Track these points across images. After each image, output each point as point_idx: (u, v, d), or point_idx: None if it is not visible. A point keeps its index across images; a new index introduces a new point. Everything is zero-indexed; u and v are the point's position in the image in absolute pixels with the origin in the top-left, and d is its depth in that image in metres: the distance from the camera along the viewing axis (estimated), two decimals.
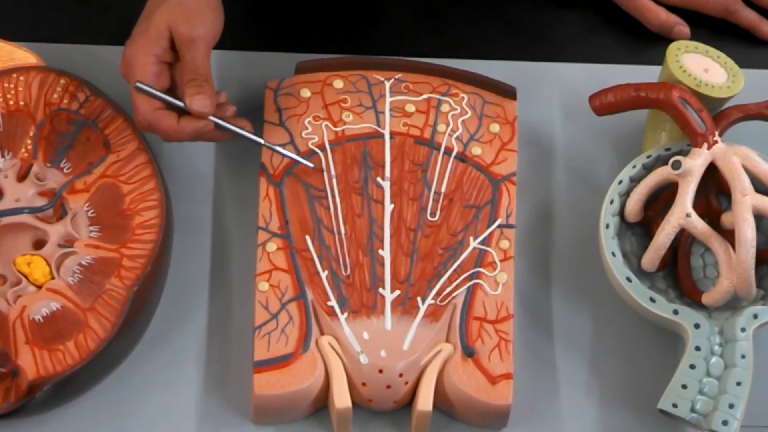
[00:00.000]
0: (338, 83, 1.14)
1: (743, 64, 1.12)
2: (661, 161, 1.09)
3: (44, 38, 1.17)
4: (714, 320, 1.04)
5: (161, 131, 1.03)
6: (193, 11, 1.03)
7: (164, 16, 1.03)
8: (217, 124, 1.04)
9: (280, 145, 1.10)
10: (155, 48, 1.03)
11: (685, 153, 1.08)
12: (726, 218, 1.07)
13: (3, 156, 1.08)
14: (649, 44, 1.22)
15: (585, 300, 1.10)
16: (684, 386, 1.01)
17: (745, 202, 1.03)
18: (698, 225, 1.05)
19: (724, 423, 0.99)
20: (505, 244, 1.08)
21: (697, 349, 1.02)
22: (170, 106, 1.03)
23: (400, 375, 1.02)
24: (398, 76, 1.15)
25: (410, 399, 1.04)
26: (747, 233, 1.02)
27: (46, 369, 1.00)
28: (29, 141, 1.08)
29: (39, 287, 1.03)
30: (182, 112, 1.04)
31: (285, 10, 1.22)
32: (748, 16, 1.22)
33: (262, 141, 1.06)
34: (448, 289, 1.06)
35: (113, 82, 1.13)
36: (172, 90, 1.05)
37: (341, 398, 1.01)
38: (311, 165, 1.08)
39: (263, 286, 1.05)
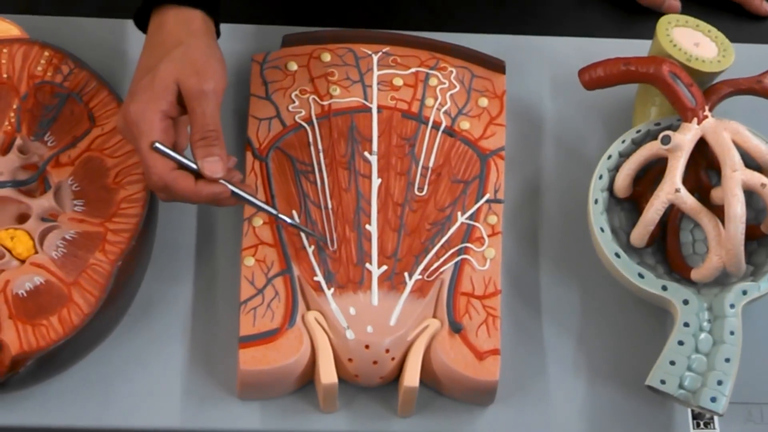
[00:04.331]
0: (325, 56, 1.13)
1: (734, 39, 1.11)
2: (651, 136, 1.08)
3: (28, 10, 1.16)
4: (703, 296, 1.03)
5: (178, 192, 0.98)
6: (200, 64, 0.98)
7: (170, 69, 0.98)
8: (233, 192, 0.99)
9: (266, 119, 1.10)
10: (162, 104, 0.97)
11: (674, 128, 1.07)
12: (716, 194, 1.06)
13: None
14: (639, 18, 1.21)
15: (573, 276, 1.09)
16: (672, 362, 1.01)
17: (735, 177, 1.03)
18: (688, 200, 1.04)
19: (713, 399, 0.99)
20: (493, 219, 1.07)
21: (686, 325, 1.02)
22: (183, 167, 0.99)
23: (387, 351, 1.02)
24: (386, 49, 1.14)
25: (397, 375, 1.03)
26: (736, 209, 1.02)
27: (29, 344, 0.99)
28: (12, 114, 1.07)
29: (22, 261, 1.02)
30: (197, 174, 0.99)
31: None
32: None
33: (274, 211, 1.02)
34: (435, 265, 1.05)
35: (98, 54, 1.13)
36: (175, 146, 0.99)
37: (327, 374, 1.01)
38: (326, 239, 1.05)
39: (249, 260, 1.04)
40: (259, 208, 1.03)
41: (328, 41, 1.14)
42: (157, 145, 0.97)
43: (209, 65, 0.99)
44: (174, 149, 0.98)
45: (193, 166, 0.98)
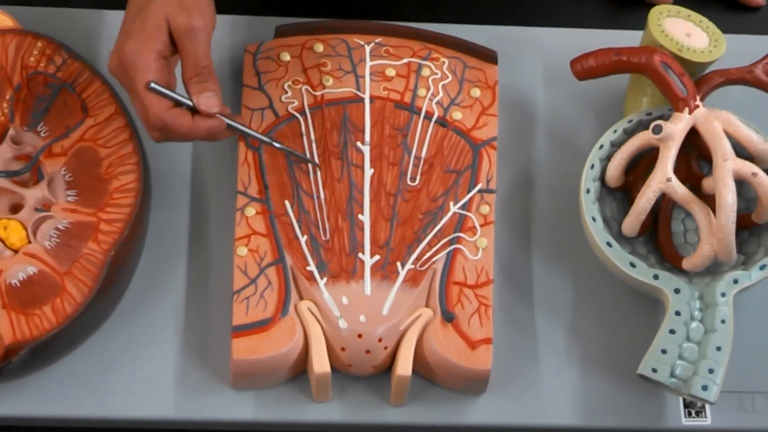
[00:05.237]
0: (318, 47, 1.13)
1: (725, 29, 1.12)
2: (643, 126, 1.08)
3: (21, 1, 1.16)
4: (694, 285, 1.04)
5: (176, 129, 0.99)
6: (189, 1, 0.99)
7: (160, 8, 0.98)
8: (228, 125, 1.01)
9: (259, 109, 1.10)
10: (156, 43, 0.98)
11: (666, 118, 1.08)
12: (707, 183, 1.06)
13: None
14: (631, 9, 1.22)
15: (565, 265, 1.10)
16: (664, 351, 1.01)
17: (726, 166, 1.03)
18: (679, 190, 1.05)
19: (704, 388, 0.99)
20: (485, 209, 1.08)
21: (677, 314, 1.02)
22: (178, 104, 1.00)
23: (380, 340, 1.02)
24: (378, 40, 1.14)
25: (389, 364, 1.03)
26: (728, 198, 1.02)
27: (23, 333, 0.99)
28: (6, 104, 1.07)
29: (15, 251, 1.02)
30: (192, 110, 1.00)
31: None
32: None
33: (267, 139, 1.04)
34: (428, 254, 1.05)
35: (90, 45, 1.13)
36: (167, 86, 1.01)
37: (320, 363, 1.01)
38: (315, 162, 1.07)
39: (242, 250, 1.05)
40: (254, 137, 1.04)
41: (321, 32, 1.14)
42: (153, 84, 0.98)
43: (197, 2, 0.99)
44: (168, 88, 0.99)
45: (189, 102, 0.99)
